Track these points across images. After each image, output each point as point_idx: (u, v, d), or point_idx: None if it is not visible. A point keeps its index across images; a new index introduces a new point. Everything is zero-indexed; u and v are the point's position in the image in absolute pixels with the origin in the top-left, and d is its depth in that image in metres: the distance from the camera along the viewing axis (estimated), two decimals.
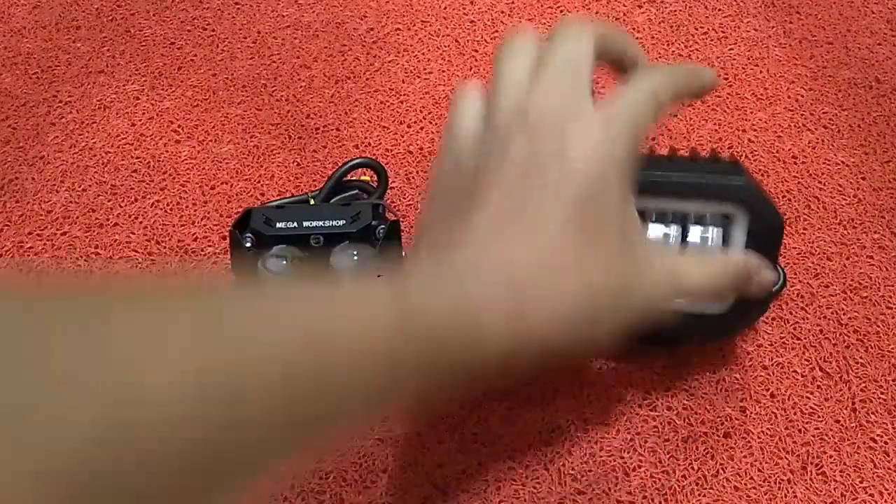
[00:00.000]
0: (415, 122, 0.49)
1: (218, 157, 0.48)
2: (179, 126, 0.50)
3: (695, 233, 0.35)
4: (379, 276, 0.26)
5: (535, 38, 0.31)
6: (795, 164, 0.46)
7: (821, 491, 0.35)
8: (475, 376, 0.26)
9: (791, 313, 0.41)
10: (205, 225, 0.45)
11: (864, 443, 0.37)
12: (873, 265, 0.42)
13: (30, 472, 0.16)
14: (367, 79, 0.52)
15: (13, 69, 0.53)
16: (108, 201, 0.46)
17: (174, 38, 0.54)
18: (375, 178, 0.44)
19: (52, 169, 0.48)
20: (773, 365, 0.39)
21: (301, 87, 0.51)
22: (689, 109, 0.49)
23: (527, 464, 0.36)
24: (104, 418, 0.17)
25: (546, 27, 0.54)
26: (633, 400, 0.38)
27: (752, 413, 0.38)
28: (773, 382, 0.38)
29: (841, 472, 0.36)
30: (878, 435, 0.37)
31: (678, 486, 0.36)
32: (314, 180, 0.47)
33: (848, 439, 0.37)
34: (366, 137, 0.49)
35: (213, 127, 0.50)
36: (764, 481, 0.36)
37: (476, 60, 0.52)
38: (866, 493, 0.35)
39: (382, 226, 0.38)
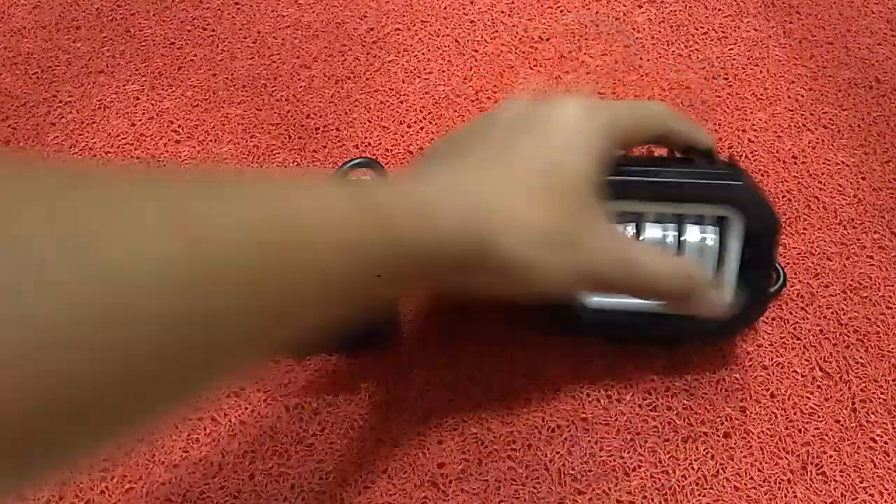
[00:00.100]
0: (415, 122, 0.49)
1: (218, 157, 0.48)
2: (179, 126, 0.50)
3: (692, 232, 0.35)
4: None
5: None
6: (795, 164, 0.46)
7: (821, 491, 0.35)
8: (433, 272, 0.28)
9: (791, 313, 0.41)
10: None
11: (864, 443, 0.37)
12: (873, 265, 0.42)
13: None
14: (367, 79, 0.52)
15: (13, 69, 0.53)
16: None
17: (174, 38, 0.54)
18: (375, 178, 0.44)
19: None
20: (773, 365, 0.39)
21: (301, 87, 0.51)
22: (689, 110, 0.49)
23: (527, 464, 0.36)
24: (72, 299, 0.17)
25: (546, 27, 0.54)
26: (633, 400, 0.38)
27: (752, 413, 0.38)
28: (773, 382, 0.38)
29: (841, 472, 0.36)
30: (878, 435, 0.37)
31: (678, 486, 0.36)
32: None
33: (848, 439, 0.37)
34: (366, 137, 0.49)
35: (213, 127, 0.50)
36: (764, 481, 0.36)
37: (476, 60, 0.52)
38: (866, 493, 0.35)
39: None
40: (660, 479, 0.36)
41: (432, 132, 0.49)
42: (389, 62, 0.52)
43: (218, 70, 0.53)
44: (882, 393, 0.38)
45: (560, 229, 0.30)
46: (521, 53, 0.52)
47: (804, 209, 0.44)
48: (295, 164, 0.47)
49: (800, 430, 0.37)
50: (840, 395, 0.38)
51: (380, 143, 0.48)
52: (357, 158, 0.44)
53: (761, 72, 0.51)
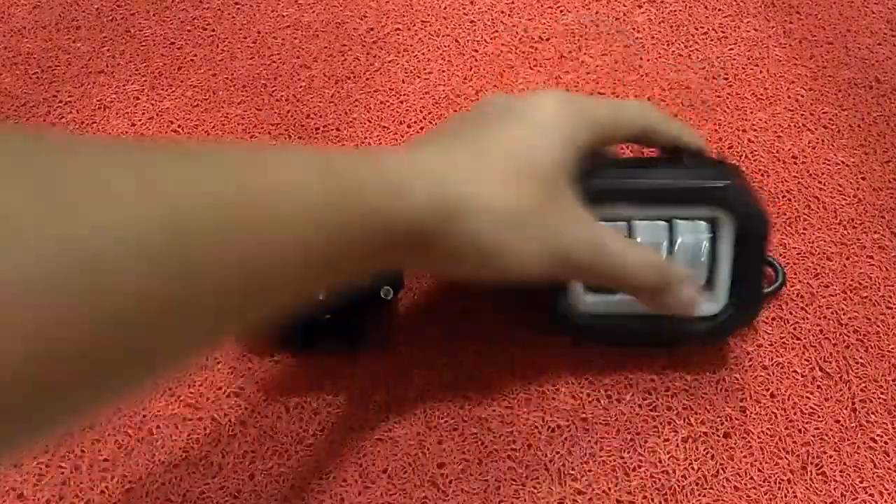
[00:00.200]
0: (415, 122, 0.49)
1: None
2: (179, 126, 0.50)
3: (684, 232, 0.35)
4: None
5: None
6: (795, 164, 0.46)
7: (821, 491, 0.35)
8: (401, 248, 0.27)
9: (791, 313, 0.41)
10: None
11: (864, 443, 0.37)
12: (873, 265, 0.42)
13: None
14: (367, 79, 0.52)
15: (13, 69, 0.53)
16: None
17: (174, 38, 0.54)
18: None
19: None
20: (773, 365, 0.39)
21: (301, 87, 0.51)
22: (688, 110, 0.49)
23: (527, 464, 0.36)
24: (47, 265, 0.17)
25: (546, 27, 0.54)
26: (633, 400, 0.38)
27: (752, 413, 0.38)
28: (773, 382, 0.38)
29: (841, 472, 0.36)
30: (878, 435, 0.37)
31: (678, 486, 0.36)
32: None
33: (848, 439, 0.37)
34: (366, 137, 0.49)
35: (213, 127, 0.50)
36: (764, 481, 0.36)
37: (476, 60, 0.52)
38: (866, 493, 0.35)
39: None
40: (660, 479, 0.36)
41: None
42: (389, 62, 0.52)
43: (218, 70, 0.53)
44: (882, 393, 0.38)
45: (530, 211, 0.30)
46: (521, 53, 0.52)
47: (804, 209, 0.44)
48: None
49: (800, 430, 0.37)
50: (840, 395, 0.38)
51: (380, 143, 0.48)
52: None
53: (761, 72, 0.51)
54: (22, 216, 0.17)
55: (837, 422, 0.37)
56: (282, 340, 0.40)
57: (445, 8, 0.55)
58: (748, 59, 0.52)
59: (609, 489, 0.36)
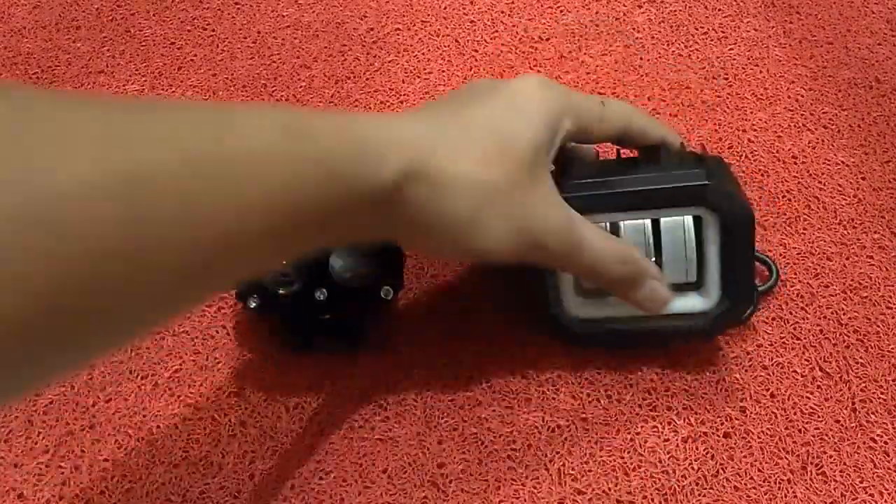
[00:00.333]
0: None
1: None
2: None
3: (669, 227, 0.36)
4: None
5: None
6: (795, 164, 0.46)
7: (821, 491, 0.35)
8: (367, 214, 0.27)
9: (791, 313, 0.41)
10: None
11: (864, 443, 0.37)
12: (873, 265, 0.42)
13: None
14: (367, 79, 0.52)
15: (13, 69, 0.53)
16: None
17: (174, 38, 0.54)
18: None
19: None
20: (773, 365, 0.39)
21: (301, 87, 0.51)
22: (688, 110, 0.49)
23: (527, 464, 0.36)
24: (6, 215, 0.17)
25: (546, 27, 0.54)
26: (633, 400, 0.38)
27: (752, 413, 0.38)
28: (773, 382, 0.38)
29: (841, 472, 0.36)
30: (878, 435, 0.37)
31: (678, 486, 0.36)
32: None
33: (848, 439, 0.37)
34: None
35: None
36: (764, 481, 0.36)
37: (476, 60, 0.52)
38: (866, 493, 0.35)
39: None
40: (660, 479, 0.36)
41: None
42: (389, 62, 0.52)
43: (218, 70, 0.53)
44: (882, 393, 0.38)
45: (507, 190, 0.29)
46: (521, 53, 0.52)
47: (804, 209, 0.44)
48: None
49: (800, 430, 0.37)
50: (840, 395, 0.38)
51: None
52: None
53: (761, 72, 0.51)
54: None
55: (837, 422, 0.37)
56: (282, 340, 0.40)
57: (445, 8, 0.55)
58: (748, 59, 0.52)
59: (609, 489, 0.36)
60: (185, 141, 0.21)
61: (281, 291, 0.37)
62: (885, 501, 0.35)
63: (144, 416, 0.38)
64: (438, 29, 0.54)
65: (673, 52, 0.52)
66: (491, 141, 0.30)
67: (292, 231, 0.24)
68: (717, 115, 0.49)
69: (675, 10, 0.54)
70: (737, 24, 0.54)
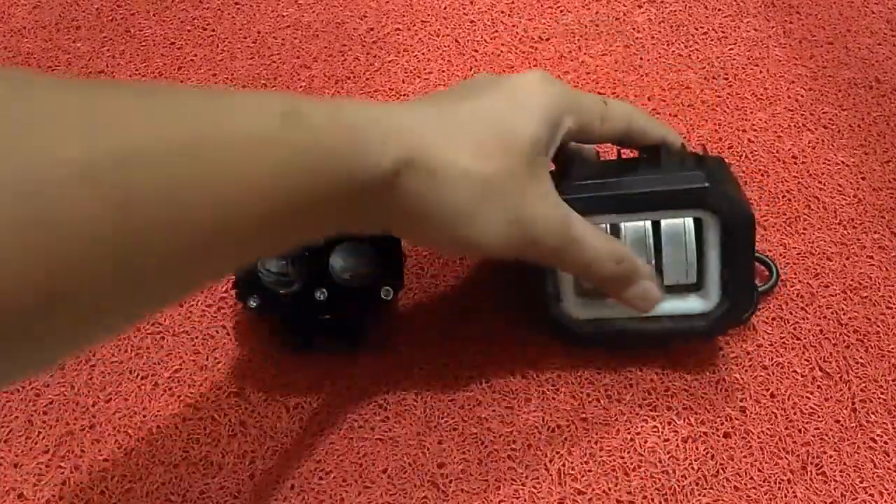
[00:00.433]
0: None
1: None
2: None
3: (670, 228, 0.36)
4: None
5: None
6: (795, 164, 0.46)
7: (821, 491, 0.35)
8: (359, 205, 0.26)
9: (791, 313, 0.41)
10: None
11: (864, 443, 0.37)
12: (873, 265, 0.42)
13: None
14: (367, 79, 0.52)
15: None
16: None
17: (174, 38, 0.54)
18: None
19: None
20: (773, 365, 0.39)
21: (301, 87, 0.51)
22: (688, 110, 0.49)
23: (527, 464, 0.36)
24: None
25: (546, 27, 0.54)
26: (633, 400, 0.38)
27: (752, 413, 0.38)
28: (773, 382, 0.38)
29: (841, 472, 0.36)
30: (878, 435, 0.37)
31: (678, 486, 0.36)
32: None
33: (848, 439, 0.37)
34: None
35: None
36: (764, 481, 0.36)
37: (476, 60, 0.52)
38: (866, 493, 0.35)
39: None
40: (660, 479, 0.36)
41: None
42: (389, 62, 0.53)
43: (218, 70, 0.53)
44: (882, 393, 0.38)
45: (503, 183, 0.29)
46: (521, 53, 0.52)
47: (804, 209, 0.44)
48: None
49: (800, 430, 0.37)
50: (840, 395, 0.38)
51: None
52: None
53: (761, 72, 0.51)
54: None
55: (837, 422, 0.37)
56: (282, 340, 0.40)
57: (445, 8, 0.55)
58: (748, 59, 0.52)
59: (609, 489, 0.36)
60: (180, 125, 0.21)
61: (281, 291, 0.37)
62: (885, 501, 0.35)
63: (144, 416, 0.38)
64: (438, 29, 0.54)
65: (673, 52, 0.52)
66: (490, 134, 0.29)
67: (289, 218, 0.24)
68: (717, 115, 0.49)
69: (675, 10, 0.54)
70: (737, 24, 0.54)
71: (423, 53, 0.53)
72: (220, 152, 0.21)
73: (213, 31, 0.55)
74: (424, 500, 0.36)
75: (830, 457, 0.36)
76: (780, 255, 0.43)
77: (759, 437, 0.37)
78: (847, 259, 0.42)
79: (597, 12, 0.55)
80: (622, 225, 0.36)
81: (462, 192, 0.28)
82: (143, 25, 0.55)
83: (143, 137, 0.20)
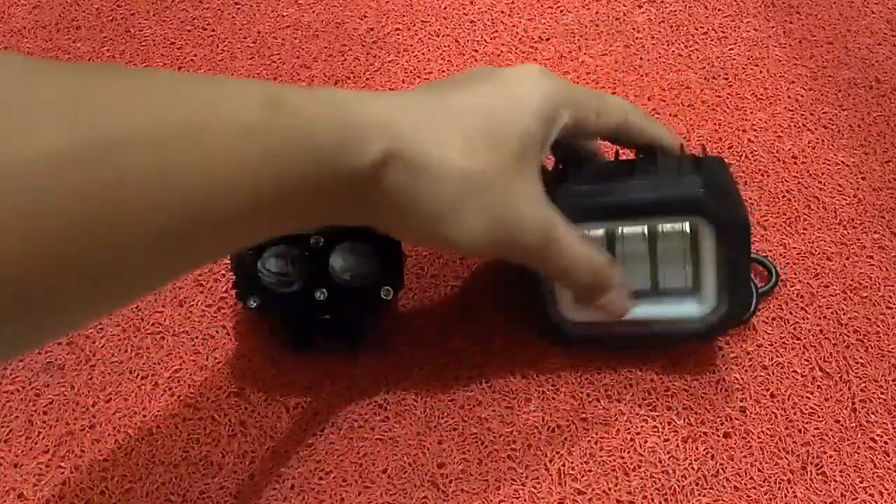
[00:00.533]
0: None
1: None
2: None
3: (666, 233, 0.36)
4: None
5: None
6: (795, 164, 0.46)
7: (821, 491, 0.35)
8: (338, 192, 0.26)
9: (791, 313, 0.41)
10: None
11: (864, 443, 0.37)
12: (873, 265, 0.42)
13: None
14: (367, 79, 0.52)
15: None
16: None
17: (174, 38, 0.54)
18: None
19: None
20: (773, 365, 0.39)
21: (301, 87, 0.51)
22: (688, 110, 0.49)
23: (527, 464, 0.36)
24: None
25: (546, 27, 0.54)
26: (633, 400, 0.38)
27: (752, 413, 0.38)
28: (773, 382, 0.38)
29: (841, 472, 0.36)
30: (878, 435, 0.37)
31: (678, 486, 0.36)
32: None
33: (848, 439, 0.37)
34: None
35: None
36: (764, 481, 0.36)
37: (476, 60, 0.52)
38: (866, 493, 0.35)
39: None
40: (660, 479, 0.36)
41: None
42: (389, 62, 0.53)
43: (218, 70, 0.53)
44: (882, 393, 0.38)
45: (484, 179, 0.29)
46: (521, 53, 0.52)
47: (804, 209, 0.44)
48: None
49: (800, 430, 0.37)
50: (840, 395, 0.38)
51: None
52: None
53: (761, 72, 0.51)
54: None
55: (837, 422, 0.37)
56: (282, 340, 0.40)
57: (445, 8, 0.55)
58: (748, 59, 0.52)
59: (609, 489, 0.36)
60: (161, 111, 0.21)
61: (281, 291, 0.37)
62: (885, 501, 0.35)
63: (144, 416, 0.38)
64: (438, 29, 0.54)
65: (673, 52, 0.52)
66: (480, 128, 0.29)
67: (270, 207, 0.24)
68: (717, 115, 0.49)
69: (675, 10, 0.54)
70: (737, 24, 0.54)
71: (423, 53, 0.53)
72: (201, 139, 0.21)
73: (213, 31, 0.55)
74: (424, 500, 0.36)
75: (830, 457, 0.36)
76: (780, 255, 0.43)
77: (759, 437, 0.37)
78: (847, 259, 0.42)
79: (597, 12, 0.55)
80: (618, 229, 0.36)
81: (445, 188, 0.28)
82: (143, 25, 0.55)
83: (122, 124, 0.20)
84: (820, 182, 0.46)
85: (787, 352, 0.39)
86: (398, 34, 0.54)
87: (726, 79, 0.51)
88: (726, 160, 0.38)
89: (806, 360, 0.39)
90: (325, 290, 0.37)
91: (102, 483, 0.36)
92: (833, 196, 0.45)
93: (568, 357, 0.39)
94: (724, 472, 0.36)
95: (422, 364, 0.39)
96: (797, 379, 0.39)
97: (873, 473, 0.36)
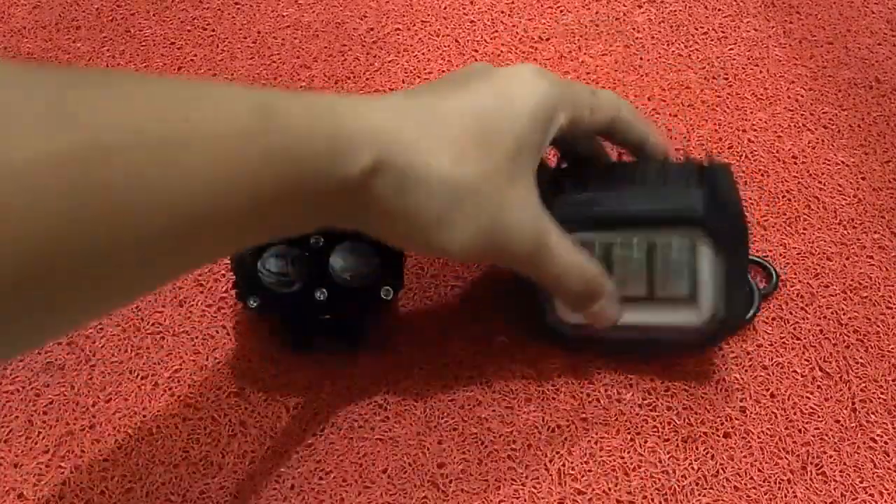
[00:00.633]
0: None
1: None
2: None
3: (664, 243, 0.35)
4: None
5: None
6: (795, 164, 0.46)
7: (821, 491, 0.35)
8: (333, 200, 0.26)
9: (791, 313, 0.41)
10: None
11: (864, 443, 0.37)
12: (873, 265, 0.42)
13: None
14: (367, 79, 0.52)
15: None
16: None
17: (174, 38, 0.54)
18: None
19: None
20: (773, 365, 0.39)
21: (301, 87, 0.51)
22: (688, 110, 0.49)
23: (527, 464, 0.36)
24: None
25: (546, 27, 0.54)
26: (633, 400, 0.38)
27: (752, 413, 0.38)
28: (773, 382, 0.38)
29: (841, 472, 0.36)
30: (878, 435, 0.37)
31: (678, 486, 0.36)
32: None
33: (848, 439, 0.37)
34: None
35: None
36: (764, 481, 0.36)
37: (476, 60, 0.52)
38: (866, 493, 0.35)
39: None
40: (660, 479, 0.36)
41: None
42: (389, 62, 0.53)
43: (218, 70, 0.53)
44: (882, 393, 0.38)
45: (474, 187, 0.28)
46: (521, 53, 0.52)
47: (804, 209, 0.44)
48: None
49: (800, 430, 0.37)
50: (840, 395, 0.38)
51: None
52: None
53: (761, 72, 0.51)
54: None
55: (837, 422, 0.37)
56: (282, 340, 0.40)
57: (445, 8, 0.55)
58: (748, 59, 0.52)
59: (609, 489, 0.36)
60: (145, 121, 0.21)
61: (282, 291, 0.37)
62: (885, 501, 0.35)
63: (144, 416, 0.38)
64: (438, 29, 0.54)
65: (673, 52, 0.52)
66: (472, 134, 0.29)
67: (257, 215, 0.24)
68: (717, 115, 0.49)
69: (675, 10, 0.54)
70: (737, 24, 0.54)
71: (423, 53, 0.53)
72: (186, 150, 0.21)
73: (213, 31, 0.55)
74: (424, 500, 0.36)
75: (830, 457, 0.36)
76: (780, 255, 0.43)
77: (759, 437, 0.37)
78: (847, 259, 0.42)
79: (597, 12, 0.55)
80: (615, 242, 0.36)
81: (435, 197, 0.28)
82: (143, 25, 0.55)
83: (103, 134, 0.20)
84: (820, 182, 0.46)
85: (787, 352, 0.39)
86: (398, 34, 0.54)
87: (726, 79, 0.51)
88: (726, 160, 0.38)
89: (806, 360, 0.39)
90: (325, 290, 0.37)
91: (102, 483, 0.36)
92: (833, 196, 0.45)
93: (568, 357, 0.39)
94: (724, 472, 0.36)
95: (422, 364, 0.39)
96: (797, 379, 0.39)
97: (873, 473, 0.36)
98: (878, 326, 0.40)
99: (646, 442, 0.37)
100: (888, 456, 0.36)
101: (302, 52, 0.53)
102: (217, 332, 0.41)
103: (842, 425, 0.37)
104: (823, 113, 0.49)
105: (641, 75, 0.51)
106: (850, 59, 0.51)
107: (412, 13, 0.55)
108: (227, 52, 0.54)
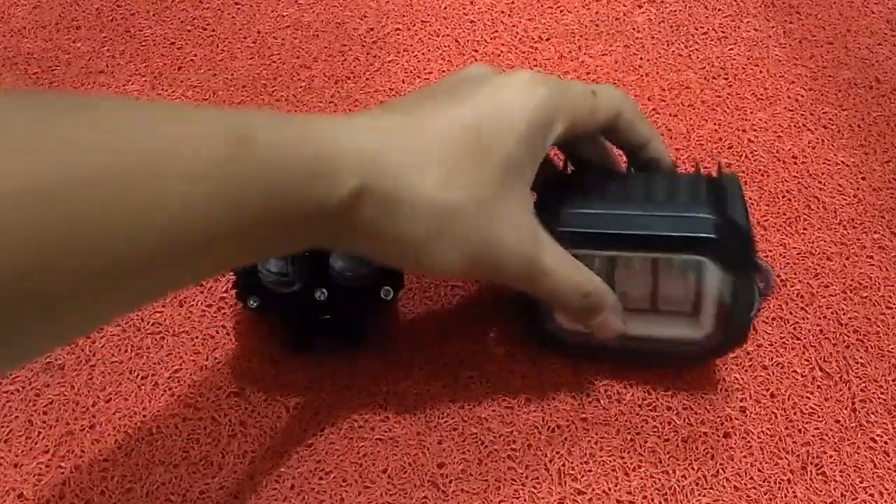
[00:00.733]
0: None
1: None
2: None
3: (669, 263, 0.35)
4: None
5: None
6: (795, 164, 0.46)
7: (821, 491, 0.35)
8: (314, 227, 0.25)
9: (791, 313, 0.41)
10: None
11: (864, 443, 0.37)
12: (873, 265, 0.42)
13: None
14: (367, 79, 0.52)
15: (13, 69, 0.53)
16: None
17: (174, 38, 0.54)
18: None
19: None
20: (773, 365, 0.39)
21: (301, 87, 0.51)
22: (689, 110, 0.49)
23: (527, 464, 0.36)
24: None
25: (546, 27, 0.54)
26: (633, 400, 0.38)
27: (752, 413, 0.38)
28: (773, 382, 0.38)
29: (841, 472, 0.36)
30: (878, 435, 0.37)
31: (678, 486, 0.36)
32: None
33: (848, 439, 0.37)
34: None
35: None
36: (764, 481, 0.36)
37: (476, 60, 0.52)
38: (866, 493, 0.35)
39: None
40: (660, 479, 0.36)
41: None
42: (389, 62, 0.52)
43: (218, 70, 0.53)
44: (882, 393, 0.38)
45: (463, 209, 0.27)
46: (521, 53, 0.52)
47: (804, 209, 0.44)
48: None
49: (800, 430, 0.37)
50: (840, 395, 0.38)
51: None
52: None
53: (761, 72, 0.51)
54: None
55: (837, 422, 0.37)
56: (282, 340, 0.40)
57: (445, 8, 0.55)
58: (748, 59, 0.52)
59: (609, 489, 0.36)
60: (114, 153, 0.20)
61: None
62: (885, 501, 0.35)
63: (144, 416, 0.38)
64: (438, 29, 0.54)
65: (673, 52, 0.52)
66: (461, 153, 0.28)
67: (237, 239, 0.24)
68: (717, 115, 0.49)
69: (675, 10, 0.54)
70: (737, 24, 0.54)
71: (423, 53, 0.53)
72: (158, 183, 0.21)
73: (213, 31, 0.55)
74: (424, 500, 0.36)
75: (830, 457, 0.36)
76: (780, 255, 0.43)
77: (759, 437, 0.37)
78: (847, 259, 0.42)
79: (597, 12, 0.55)
80: (619, 259, 0.35)
81: (422, 220, 0.27)
82: (143, 25, 0.55)
83: (70, 167, 0.19)
84: (820, 182, 0.46)
85: (787, 352, 0.39)
86: (398, 34, 0.54)
87: (726, 79, 0.51)
88: (726, 160, 0.38)
89: (806, 360, 0.39)
90: (325, 290, 0.37)
91: (102, 483, 0.36)
92: (833, 196, 0.45)
93: (568, 357, 0.39)
94: (724, 472, 0.36)
95: (422, 364, 0.39)
96: (797, 379, 0.39)
97: (873, 473, 0.36)
98: (878, 326, 0.40)
99: (646, 442, 0.37)
100: (888, 456, 0.36)
101: (302, 52, 0.53)
102: (217, 332, 0.41)
103: (842, 425, 0.37)
104: (823, 113, 0.49)
105: (641, 75, 0.51)
106: (850, 59, 0.51)
107: (412, 13, 0.55)
108: (227, 52, 0.54)
